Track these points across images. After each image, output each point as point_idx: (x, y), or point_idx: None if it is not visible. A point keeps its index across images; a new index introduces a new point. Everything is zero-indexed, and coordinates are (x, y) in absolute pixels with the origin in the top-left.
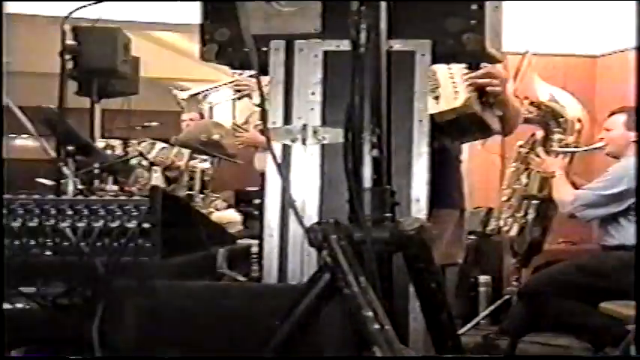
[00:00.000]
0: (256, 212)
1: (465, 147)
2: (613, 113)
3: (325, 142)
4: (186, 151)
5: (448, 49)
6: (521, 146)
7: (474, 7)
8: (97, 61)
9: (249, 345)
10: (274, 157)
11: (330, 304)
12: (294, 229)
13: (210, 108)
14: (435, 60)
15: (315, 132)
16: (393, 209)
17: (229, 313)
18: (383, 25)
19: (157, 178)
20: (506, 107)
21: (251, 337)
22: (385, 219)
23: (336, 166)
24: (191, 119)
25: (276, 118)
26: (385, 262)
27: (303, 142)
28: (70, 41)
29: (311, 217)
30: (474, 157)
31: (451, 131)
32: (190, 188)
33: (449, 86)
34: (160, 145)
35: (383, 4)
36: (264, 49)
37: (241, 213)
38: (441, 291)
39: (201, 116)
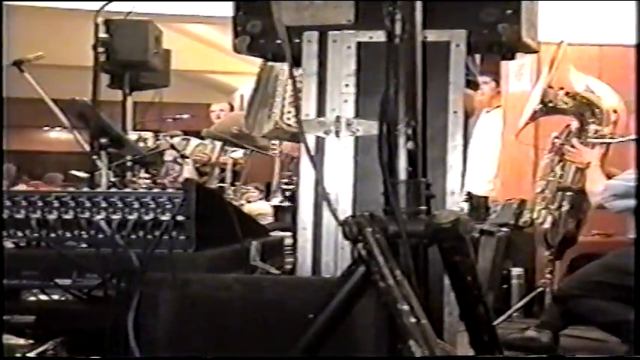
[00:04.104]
0: (287, 204)
1: (498, 138)
2: None
3: (359, 134)
4: (218, 144)
5: (483, 39)
6: (556, 137)
7: None
8: (129, 54)
9: (283, 338)
10: (308, 149)
11: (364, 297)
12: (328, 221)
13: (242, 98)
14: (471, 50)
15: (348, 124)
16: (429, 202)
17: (264, 306)
18: (418, 15)
19: (188, 171)
20: None
21: (286, 329)
22: (420, 212)
23: (370, 158)
24: (221, 110)
25: (309, 110)
26: (420, 255)
27: (337, 134)
28: (102, 34)
29: (345, 209)
30: (507, 149)
31: None
32: (222, 180)
33: None
34: (195, 141)
35: None
36: (297, 40)
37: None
38: (477, 284)
39: (231, 107)
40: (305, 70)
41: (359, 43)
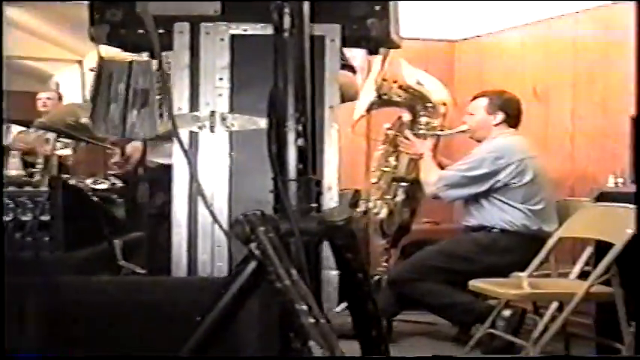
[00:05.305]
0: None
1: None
2: (475, 97)
3: (234, 129)
4: (49, 135)
5: (353, 33)
6: (389, 129)
7: None
8: None
9: (164, 340)
10: (181, 144)
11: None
12: (204, 219)
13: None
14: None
15: (223, 119)
16: (319, 199)
17: (143, 309)
18: (306, 8)
19: (14, 164)
20: None
21: (166, 332)
22: (312, 209)
23: (246, 154)
24: (48, 98)
25: (182, 104)
26: (311, 253)
27: (211, 129)
28: None
29: (221, 206)
30: (341, 139)
31: None
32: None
33: None
34: (16, 128)
35: None
36: (161, 31)
37: None
38: (367, 281)
39: (59, 95)
40: (177, 63)
41: (232, 36)
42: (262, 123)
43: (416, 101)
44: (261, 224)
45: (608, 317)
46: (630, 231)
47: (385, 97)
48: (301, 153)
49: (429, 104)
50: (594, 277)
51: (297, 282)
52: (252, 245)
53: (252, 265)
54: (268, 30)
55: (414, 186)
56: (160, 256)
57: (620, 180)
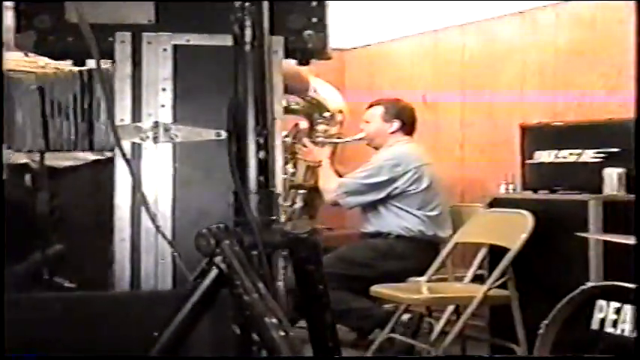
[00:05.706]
0: None
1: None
2: (371, 106)
3: (177, 140)
4: None
5: (291, 45)
6: (286, 136)
7: (314, 4)
8: None
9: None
10: (124, 155)
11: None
12: (147, 231)
13: None
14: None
15: (166, 130)
16: (278, 211)
17: (95, 325)
18: (266, 21)
19: None
20: None
21: (127, 347)
22: (273, 222)
23: (189, 165)
24: None
25: (124, 114)
26: (272, 264)
27: (155, 140)
28: None
29: (165, 218)
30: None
31: None
32: None
33: None
34: None
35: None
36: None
37: None
38: (326, 292)
39: None
40: (118, 73)
41: (175, 46)
42: (206, 134)
43: (313, 109)
44: (226, 237)
45: (501, 319)
46: (524, 235)
47: (284, 105)
48: (262, 165)
49: (327, 112)
50: (492, 280)
51: (264, 295)
52: (218, 259)
53: (212, 278)
54: (212, 40)
55: (312, 193)
56: (87, 268)
57: (512, 186)
